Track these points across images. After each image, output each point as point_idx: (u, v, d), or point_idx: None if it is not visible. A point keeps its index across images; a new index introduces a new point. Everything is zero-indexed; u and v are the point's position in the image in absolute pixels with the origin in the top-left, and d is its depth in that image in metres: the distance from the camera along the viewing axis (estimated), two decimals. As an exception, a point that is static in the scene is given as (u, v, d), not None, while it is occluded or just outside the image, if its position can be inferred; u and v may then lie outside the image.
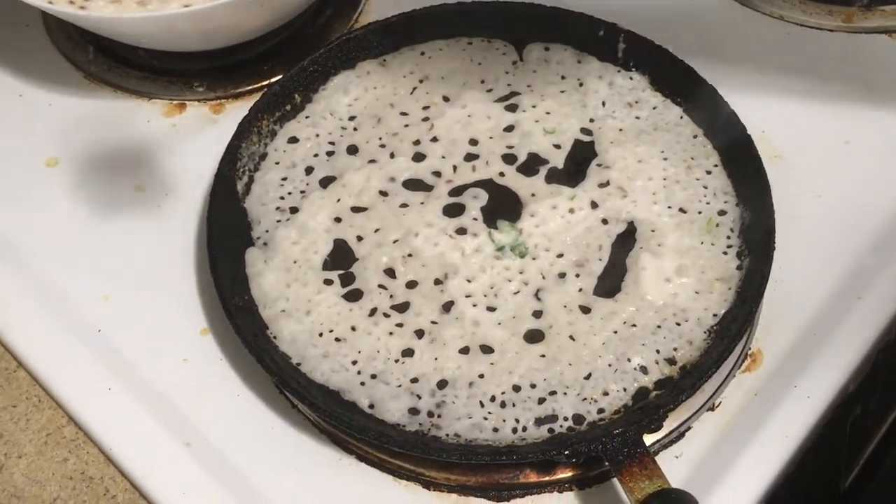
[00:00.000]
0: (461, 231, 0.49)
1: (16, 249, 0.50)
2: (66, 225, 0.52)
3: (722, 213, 0.49)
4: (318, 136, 0.53)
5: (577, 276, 0.47)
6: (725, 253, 0.47)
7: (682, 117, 0.52)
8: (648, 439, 0.42)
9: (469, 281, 0.47)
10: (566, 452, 0.40)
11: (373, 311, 0.46)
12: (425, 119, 0.54)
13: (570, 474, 0.42)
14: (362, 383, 0.44)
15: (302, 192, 0.51)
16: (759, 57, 0.57)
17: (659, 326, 0.45)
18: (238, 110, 0.56)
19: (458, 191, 0.51)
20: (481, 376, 0.44)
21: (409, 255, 0.48)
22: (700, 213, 0.49)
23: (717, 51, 0.56)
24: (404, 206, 0.50)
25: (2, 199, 0.53)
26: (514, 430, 0.42)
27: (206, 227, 0.48)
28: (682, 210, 0.49)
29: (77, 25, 0.57)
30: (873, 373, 0.47)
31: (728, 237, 0.48)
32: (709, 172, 0.50)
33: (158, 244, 0.51)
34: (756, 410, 0.44)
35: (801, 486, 0.45)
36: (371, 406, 0.43)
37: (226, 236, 0.48)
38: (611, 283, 0.47)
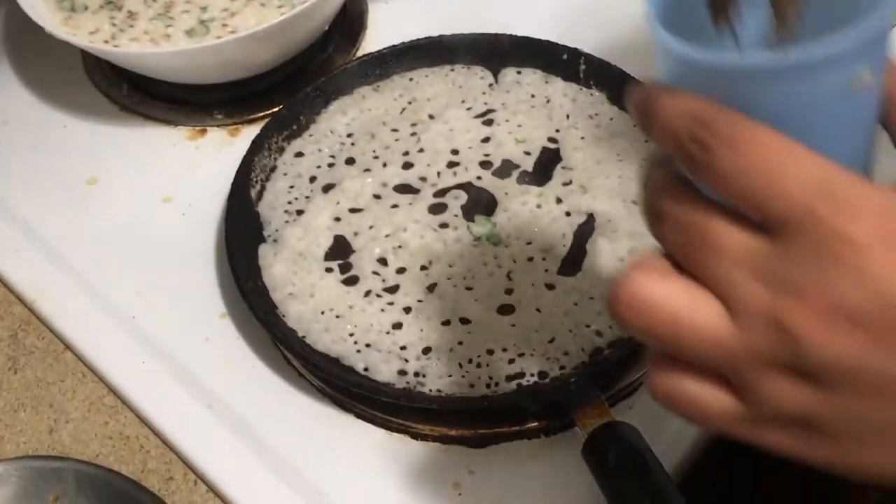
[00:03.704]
0: (444, 225, 0.57)
1: (62, 254, 0.59)
2: (104, 232, 0.60)
3: (669, 203, 0.56)
4: (320, 150, 0.61)
5: (544, 259, 0.54)
6: (671, 235, 0.54)
7: (634, 126, 0.60)
8: (604, 393, 0.48)
9: (450, 266, 0.55)
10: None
11: (367, 293, 0.54)
12: (413, 134, 0.62)
13: (537, 424, 0.49)
14: (358, 351, 0.51)
15: (307, 197, 0.59)
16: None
17: (614, 299, 0.52)
18: (252, 133, 0.64)
19: (441, 193, 0.58)
20: (460, 343, 0.51)
21: (399, 247, 0.56)
22: (650, 204, 0.56)
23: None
24: (395, 206, 0.58)
25: (50, 212, 0.61)
26: (488, 386, 0.49)
27: (224, 228, 0.56)
28: (634, 202, 0.56)
29: (112, 65, 0.67)
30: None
31: (673, 223, 0.55)
32: (658, 170, 0.58)
33: (184, 245, 0.58)
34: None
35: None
36: (366, 369, 0.50)
37: (242, 236, 0.56)
38: (572, 264, 0.54)
